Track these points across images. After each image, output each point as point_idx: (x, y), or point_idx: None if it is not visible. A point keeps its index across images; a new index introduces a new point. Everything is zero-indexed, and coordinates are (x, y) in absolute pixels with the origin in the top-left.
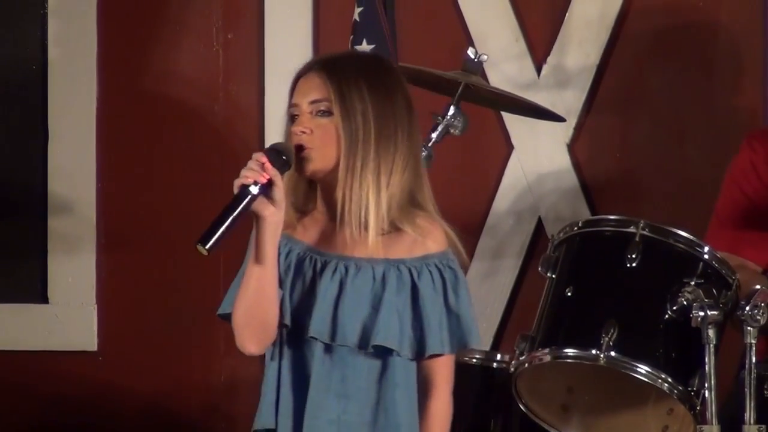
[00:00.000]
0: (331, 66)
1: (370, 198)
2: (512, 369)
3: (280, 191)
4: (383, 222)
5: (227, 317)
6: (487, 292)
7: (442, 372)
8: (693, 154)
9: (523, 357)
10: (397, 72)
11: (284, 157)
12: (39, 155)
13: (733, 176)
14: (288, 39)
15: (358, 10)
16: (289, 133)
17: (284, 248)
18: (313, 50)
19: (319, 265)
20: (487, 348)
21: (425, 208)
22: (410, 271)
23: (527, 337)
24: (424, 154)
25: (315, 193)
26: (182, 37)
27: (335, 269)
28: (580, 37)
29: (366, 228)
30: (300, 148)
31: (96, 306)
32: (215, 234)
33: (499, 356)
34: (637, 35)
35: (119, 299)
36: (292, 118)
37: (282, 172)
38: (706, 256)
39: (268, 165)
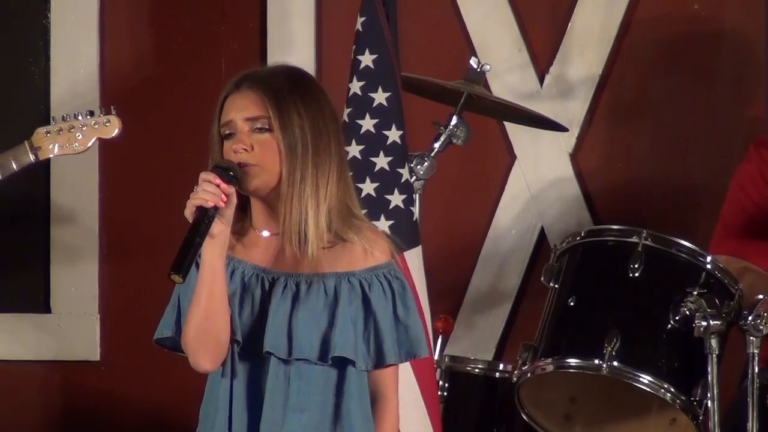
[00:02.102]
0: (264, 81)
1: (309, 211)
2: (515, 379)
3: (231, 209)
4: (323, 235)
5: (165, 342)
6: (489, 302)
7: (392, 382)
8: (696, 164)
9: (526, 367)
10: (321, 85)
11: (232, 173)
12: (42, 166)
13: (741, 183)
14: (291, 49)
15: (360, 19)
16: (221, 155)
17: (227, 269)
18: (316, 60)
19: (267, 283)
20: (490, 358)
21: (359, 217)
22: (361, 282)
23: (530, 346)
24: (426, 164)
25: (246, 212)
26: (185, 46)
27: (285, 286)
28: (582, 47)
29: (305, 242)
30: (242, 166)
31: (99, 315)
32: (185, 261)
33: (501, 366)
34: (640, 45)
35: (122, 309)
36: (224, 137)
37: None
38: (708, 266)
39: (224, 186)
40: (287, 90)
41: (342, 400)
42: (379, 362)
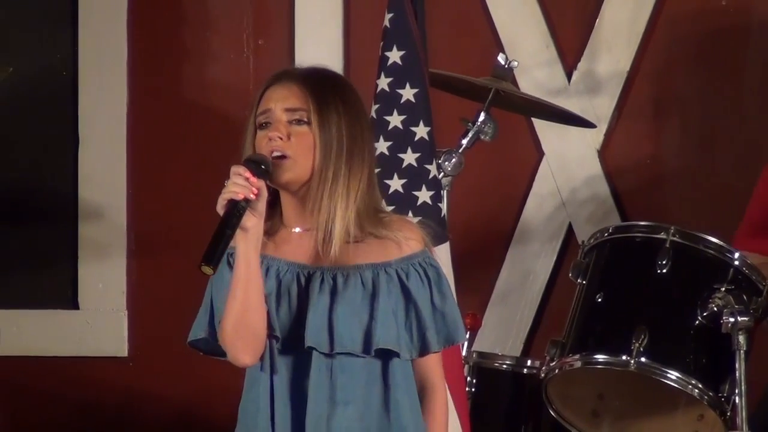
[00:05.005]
0: (307, 77)
1: (338, 212)
2: (543, 375)
3: (263, 202)
4: (349, 234)
5: (198, 344)
6: (517, 298)
7: (437, 369)
8: (723, 160)
9: (554, 363)
10: (358, 92)
11: (263, 167)
12: (70, 162)
13: (766, 182)
14: (318, 45)
15: (388, 16)
16: (253, 144)
17: (262, 267)
18: (343, 56)
19: (303, 279)
20: (518, 354)
21: (387, 213)
22: (397, 272)
23: (558, 342)
24: (454, 160)
25: (276, 210)
26: (213, 43)
27: (322, 280)
28: (610, 43)
29: (330, 240)
30: (277, 156)
31: (126, 312)
32: (216, 252)
33: (529, 362)
34: (668, 41)
35: (149, 305)
36: (260, 126)
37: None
38: (736, 262)
39: (253, 179)
40: (329, 90)
41: (389, 391)
42: (424, 350)
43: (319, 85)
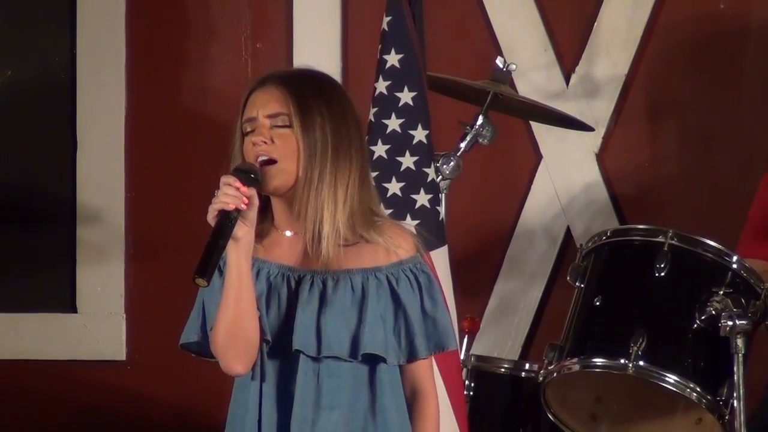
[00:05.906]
0: (288, 80)
1: (325, 213)
2: (541, 378)
3: (254, 211)
4: (339, 235)
5: (190, 346)
6: (515, 302)
7: (428, 375)
8: (722, 164)
9: (552, 366)
10: (347, 93)
11: (252, 176)
12: (68, 165)
13: None
14: (317, 48)
15: (386, 19)
16: (241, 150)
17: (252, 270)
18: (341, 59)
19: (293, 282)
20: (516, 357)
21: (382, 216)
22: (388, 277)
23: (556, 346)
24: (452, 163)
25: (267, 213)
26: (211, 46)
27: (312, 283)
28: (608, 46)
29: (319, 242)
30: (262, 164)
31: (124, 315)
32: (210, 264)
33: (527, 365)
34: (666, 44)
35: (148, 308)
36: (245, 133)
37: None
38: (734, 266)
39: (243, 189)
40: (312, 91)
41: (376, 396)
42: (412, 356)
43: (300, 87)
